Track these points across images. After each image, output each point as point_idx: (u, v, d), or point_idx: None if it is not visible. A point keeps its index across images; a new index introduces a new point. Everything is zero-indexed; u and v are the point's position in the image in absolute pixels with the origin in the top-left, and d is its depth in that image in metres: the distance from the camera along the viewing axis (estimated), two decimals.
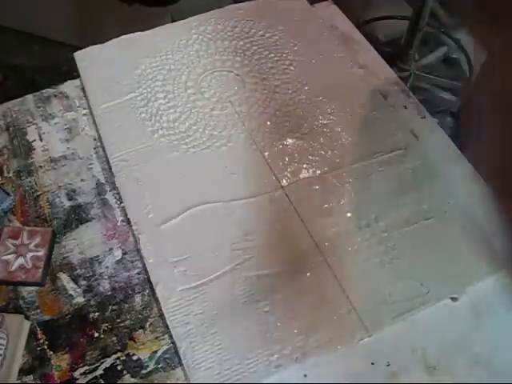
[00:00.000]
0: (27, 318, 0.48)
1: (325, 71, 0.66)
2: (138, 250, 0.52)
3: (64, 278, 0.51)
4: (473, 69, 1.48)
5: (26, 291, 0.50)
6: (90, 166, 0.58)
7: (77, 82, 0.65)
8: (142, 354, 0.47)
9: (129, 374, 0.46)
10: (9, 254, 0.50)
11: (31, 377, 0.46)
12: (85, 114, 0.62)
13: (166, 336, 0.48)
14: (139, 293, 0.50)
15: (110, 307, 0.49)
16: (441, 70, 1.66)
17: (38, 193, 0.56)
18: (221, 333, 0.47)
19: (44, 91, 0.64)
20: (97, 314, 0.49)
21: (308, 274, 0.50)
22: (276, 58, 0.67)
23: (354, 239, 0.52)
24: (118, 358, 0.47)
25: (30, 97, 0.64)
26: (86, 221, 0.54)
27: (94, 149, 0.60)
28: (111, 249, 0.53)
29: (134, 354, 0.47)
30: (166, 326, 0.48)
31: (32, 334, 0.48)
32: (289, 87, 0.64)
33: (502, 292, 0.50)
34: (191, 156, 0.58)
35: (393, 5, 1.76)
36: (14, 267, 0.50)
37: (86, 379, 0.46)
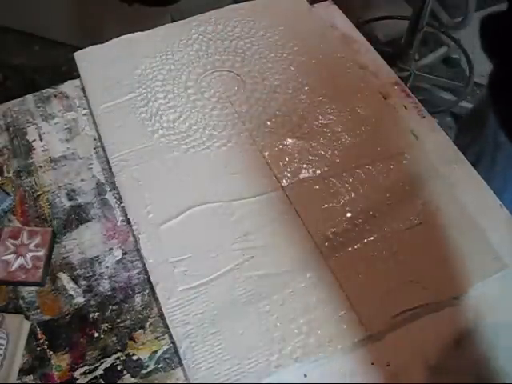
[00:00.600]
0: (27, 318, 0.48)
1: (325, 71, 0.66)
2: (138, 250, 0.52)
3: (64, 278, 0.51)
4: (473, 69, 1.48)
5: (26, 291, 0.50)
6: (90, 166, 0.58)
7: (77, 82, 0.65)
8: (142, 354, 0.47)
9: (129, 374, 0.46)
10: (9, 254, 0.50)
11: (31, 377, 0.46)
12: (85, 114, 0.62)
13: (166, 336, 0.48)
14: (139, 293, 0.50)
15: (110, 307, 0.49)
16: (441, 70, 1.66)
17: (38, 193, 0.56)
18: (221, 333, 0.47)
19: (44, 91, 0.64)
20: (97, 313, 0.49)
21: (308, 274, 0.50)
22: (276, 58, 0.67)
23: (354, 239, 0.52)
24: (118, 357, 0.47)
25: (30, 97, 0.64)
26: (86, 221, 0.54)
27: (94, 149, 0.60)
28: (111, 249, 0.53)
29: (133, 354, 0.47)
30: (166, 326, 0.48)
31: (32, 334, 0.48)
32: (289, 87, 0.64)
33: (502, 292, 0.50)
34: (191, 156, 0.58)
35: (393, 5, 1.76)
36: (13, 267, 0.50)
37: (86, 379, 0.46)
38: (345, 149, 0.59)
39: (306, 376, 0.46)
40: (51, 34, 1.71)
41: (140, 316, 0.49)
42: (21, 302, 0.49)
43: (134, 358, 0.47)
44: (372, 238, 0.52)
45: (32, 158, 0.59)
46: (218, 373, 0.45)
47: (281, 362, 0.46)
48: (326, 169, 0.57)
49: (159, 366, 0.46)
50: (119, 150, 0.58)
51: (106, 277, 0.51)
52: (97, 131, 0.61)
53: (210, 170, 0.57)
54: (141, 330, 0.48)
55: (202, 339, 0.47)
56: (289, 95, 0.63)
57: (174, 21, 0.72)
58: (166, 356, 0.47)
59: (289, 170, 0.57)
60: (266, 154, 0.58)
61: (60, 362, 0.46)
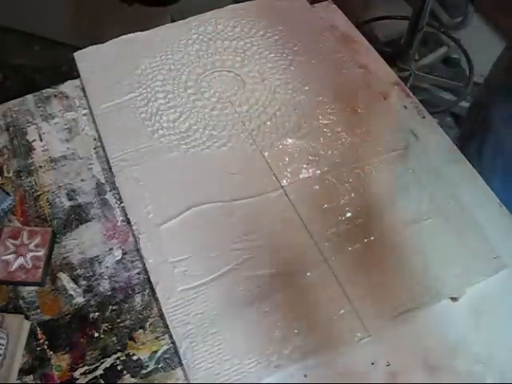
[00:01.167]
0: (27, 318, 0.48)
1: (325, 71, 0.66)
2: (138, 250, 0.52)
3: (64, 278, 0.51)
4: (473, 69, 1.48)
5: (26, 291, 0.50)
6: (90, 166, 0.58)
7: (77, 82, 0.65)
8: (142, 354, 0.47)
9: (129, 374, 0.46)
10: (9, 254, 0.50)
11: (31, 377, 0.46)
12: (85, 114, 0.62)
13: (166, 336, 0.48)
14: (139, 293, 0.50)
15: (110, 307, 0.49)
16: (441, 70, 1.66)
17: (38, 193, 0.56)
18: (221, 333, 0.47)
19: (44, 91, 0.64)
20: (97, 313, 0.49)
21: (308, 274, 0.50)
22: (276, 58, 0.67)
23: (354, 239, 0.52)
24: (118, 357, 0.47)
25: (30, 97, 0.64)
26: (86, 221, 0.54)
27: (94, 149, 0.60)
28: (111, 249, 0.53)
29: (133, 354, 0.47)
30: (166, 326, 0.48)
31: (32, 334, 0.48)
32: (289, 87, 0.64)
33: (502, 292, 0.50)
34: (191, 156, 0.58)
35: (393, 5, 1.76)
36: (14, 267, 0.50)
37: (86, 379, 0.46)
38: (345, 149, 0.59)
39: (305, 376, 0.46)
40: (51, 34, 1.71)
41: (140, 316, 0.49)
42: (21, 301, 0.49)
43: (134, 358, 0.47)
44: (372, 238, 0.52)
45: (32, 158, 0.59)
46: (218, 373, 0.45)
47: (281, 362, 0.46)
48: (326, 169, 0.57)
49: (159, 366, 0.46)
50: (119, 150, 0.58)
51: (105, 277, 0.51)
52: (97, 131, 0.61)
53: (210, 170, 0.57)
54: (141, 330, 0.48)
55: (202, 339, 0.47)
56: (289, 95, 0.63)
57: (173, 21, 0.72)
58: (166, 356, 0.47)
59: (289, 170, 0.57)
60: (266, 154, 0.58)
61: (60, 362, 0.46)
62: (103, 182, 0.57)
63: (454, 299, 0.50)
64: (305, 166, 0.57)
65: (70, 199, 0.56)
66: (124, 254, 0.52)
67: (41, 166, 0.58)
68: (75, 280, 0.51)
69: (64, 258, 0.52)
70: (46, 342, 0.47)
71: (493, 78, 0.78)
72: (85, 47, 0.67)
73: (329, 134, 0.60)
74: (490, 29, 1.55)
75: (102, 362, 0.46)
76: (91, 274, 0.51)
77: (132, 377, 0.46)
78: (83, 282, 0.51)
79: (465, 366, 0.46)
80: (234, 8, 0.72)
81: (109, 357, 0.47)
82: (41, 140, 0.60)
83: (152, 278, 0.50)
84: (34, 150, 0.60)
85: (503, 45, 0.80)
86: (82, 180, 0.57)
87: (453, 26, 1.67)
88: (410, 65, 1.58)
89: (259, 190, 0.55)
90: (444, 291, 0.50)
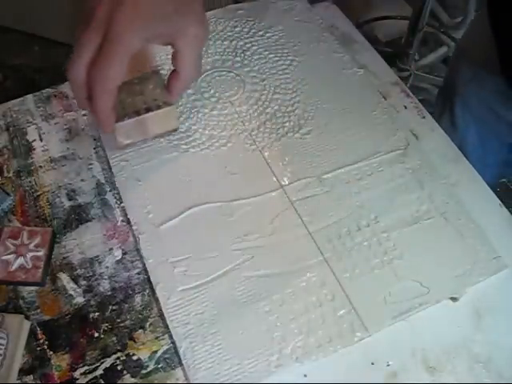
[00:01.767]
0: (27, 318, 0.48)
1: (325, 71, 0.66)
2: (138, 250, 0.52)
3: (64, 278, 0.51)
4: None
5: (26, 291, 0.50)
6: (90, 166, 0.58)
7: None
8: (142, 354, 0.47)
9: (129, 374, 0.46)
10: (9, 254, 0.50)
11: (31, 377, 0.46)
12: (85, 114, 0.62)
13: (166, 336, 0.48)
14: (139, 293, 0.50)
15: (110, 307, 0.49)
16: (441, 70, 1.66)
17: (38, 193, 0.56)
18: (221, 333, 0.47)
19: (44, 91, 0.64)
20: (97, 314, 0.49)
21: (308, 274, 0.50)
22: (276, 58, 0.67)
23: (354, 239, 0.52)
24: (118, 357, 0.47)
25: (30, 97, 0.64)
26: (86, 221, 0.54)
27: (94, 149, 0.60)
28: (111, 249, 0.53)
29: (134, 354, 0.47)
30: (166, 326, 0.48)
31: (32, 334, 0.48)
32: (289, 87, 0.64)
33: (502, 292, 0.50)
34: (191, 156, 0.58)
35: (393, 5, 1.76)
36: (14, 267, 0.50)
37: (86, 379, 0.46)
38: (345, 149, 0.59)
39: (305, 376, 0.46)
40: (51, 34, 1.71)
41: (140, 316, 0.49)
42: (21, 301, 0.49)
43: (134, 357, 0.47)
44: (372, 238, 0.52)
45: (32, 158, 0.59)
46: (218, 373, 0.45)
47: (281, 362, 0.46)
48: (326, 169, 0.57)
49: (159, 366, 0.46)
50: (119, 150, 0.58)
51: (105, 277, 0.51)
52: (97, 131, 0.61)
53: (210, 170, 0.57)
54: (141, 330, 0.48)
55: (202, 339, 0.47)
56: (289, 95, 0.63)
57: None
58: (166, 356, 0.47)
59: (289, 170, 0.57)
60: (266, 154, 0.58)
61: (60, 361, 0.46)
62: (103, 182, 0.57)
63: (454, 299, 0.50)
64: (305, 166, 0.57)
65: (70, 199, 0.56)
66: (124, 254, 0.52)
67: (41, 166, 0.58)
68: (75, 280, 0.51)
69: (64, 258, 0.52)
70: (46, 342, 0.47)
71: (459, 46, 0.87)
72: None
73: (328, 133, 0.60)
74: None
75: (102, 362, 0.46)
76: (91, 273, 0.51)
77: (132, 377, 0.46)
78: (83, 282, 0.51)
79: (465, 365, 0.46)
80: (233, 8, 0.72)
81: (109, 357, 0.47)
82: (41, 140, 0.60)
83: (152, 278, 0.50)
84: (34, 149, 0.60)
85: None
86: (82, 180, 0.57)
87: (453, 26, 1.67)
88: (409, 65, 1.58)
89: (259, 190, 0.55)
90: (444, 291, 0.50)
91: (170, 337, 0.47)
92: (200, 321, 0.48)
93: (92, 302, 0.49)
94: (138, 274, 0.51)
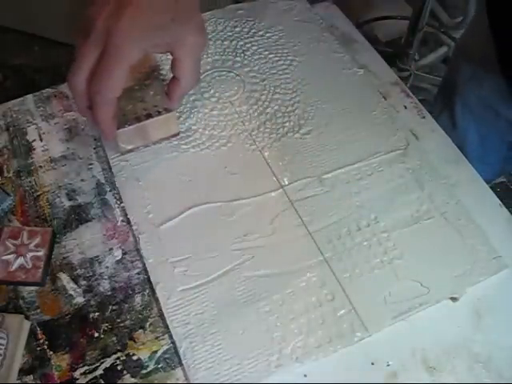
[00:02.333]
0: (27, 318, 0.48)
1: (325, 71, 0.66)
2: (138, 250, 0.52)
3: (64, 278, 0.51)
4: None
5: (26, 291, 0.50)
6: (90, 166, 0.58)
7: None
8: (142, 354, 0.47)
9: (129, 374, 0.46)
10: (9, 253, 0.50)
11: (31, 377, 0.46)
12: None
13: (166, 336, 0.48)
14: (139, 293, 0.50)
15: (110, 307, 0.49)
16: (441, 70, 1.66)
17: (38, 193, 0.56)
18: (221, 333, 0.47)
19: (44, 91, 0.64)
20: (97, 313, 0.49)
21: (308, 274, 0.50)
22: (276, 58, 0.67)
23: (354, 239, 0.52)
24: (118, 357, 0.47)
25: (30, 97, 0.64)
26: (85, 221, 0.54)
27: (94, 149, 0.60)
28: (111, 249, 0.53)
29: (134, 354, 0.47)
30: (166, 326, 0.48)
31: (32, 334, 0.48)
32: (289, 87, 0.64)
33: (502, 292, 0.50)
34: (191, 156, 0.58)
35: (393, 5, 1.76)
36: (14, 267, 0.50)
37: (86, 379, 0.46)
38: (345, 149, 0.59)
39: (305, 376, 0.46)
40: (51, 34, 1.71)
41: (140, 316, 0.49)
42: (21, 301, 0.49)
43: (134, 358, 0.47)
44: (372, 238, 0.52)
45: (32, 158, 0.59)
46: (218, 373, 0.45)
47: (281, 362, 0.46)
48: (326, 169, 0.57)
49: (159, 366, 0.46)
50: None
51: (105, 277, 0.51)
52: (97, 131, 0.61)
53: (209, 170, 0.57)
54: (141, 330, 0.48)
55: (202, 339, 0.47)
56: (289, 95, 0.63)
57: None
58: (166, 356, 0.47)
59: (289, 170, 0.57)
60: (266, 154, 0.58)
61: (60, 361, 0.46)
62: (103, 182, 0.57)
63: (454, 299, 0.50)
64: (305, 166, 0.57)
65: (70, 199, 0.56)
66: (124, 253, 0.52)
67: (41, 166, 0.58)
68: (75, 280, 0.51)
69: (64, 258, 0.52)
70: (46, 342, 0.47)
71: (458, 45, 0.87)
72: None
73: (328, 133, 0.60)
74: None
75: (102, 362, 0.46)
76: (91, 273, 0.51)
77: (132, 377, 0.46)
78: (83, 282, 0.51)
79: (465, 365, 0.46)
80: (234, 8, 0.72)
81: (109, 357, 0.47)
82: (41, 140, 0.60)
83: (152, 278, 0.50)
84: (34, 149, 0.60)
85: None
86: (82, 180, 0.57)
87: (453, 26, 1.67)
88: (410, 65, 1.58)
89: (259, 190, 0.55)
90: (444, 291, 0.50)
91: (170, 337, 0.47)
92: (200, 321, 0.48)
93: (92, 302, 0.49)
94: (138, 274, 0.51)
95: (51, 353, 0.47)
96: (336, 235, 0.53)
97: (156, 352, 0.47)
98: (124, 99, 0.52)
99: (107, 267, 0.52)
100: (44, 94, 0.64)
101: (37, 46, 1.74)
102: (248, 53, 0.67)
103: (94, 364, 0.46)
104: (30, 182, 0.57)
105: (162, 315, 0.48)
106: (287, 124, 0.61)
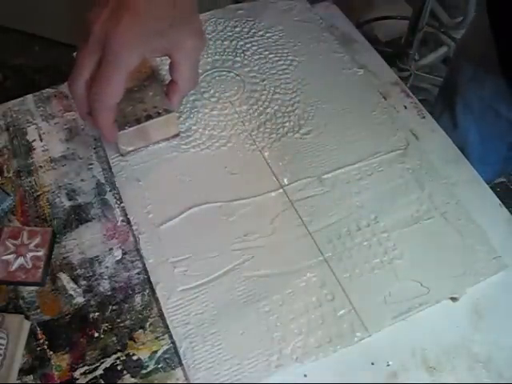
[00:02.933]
0: (27, 317, 0.48)
1: (325, 71, 0.66)
2: (138, 250, 0.52)
3: (64, 278, 0.51)
4: None
5: (26, 291, 0.50)
6: (90, 166, 0.58)
7: None
8: (142, 354, 0.47)
9: (129, 374, 0.46)
10: (9, 253, 0.50)
11: (31, 377, 0.46)
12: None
13: (166, 336, 0.48)
14: (139, 293, 0.50)
15: (110, 307, 0.49)
16: (441, 70, 1.66)
17: (38, 193, 0.56)
18: (221, 333, 0.47)
19: (44, 91, 0.64)
20: (97, 314, 0.49)
21: (308, 274, 0.50)
22: (276, 58, 0.67)
23: (353, 239, 0.52)
24: (118, 357, 0.47)
25: (30, 97, 0.64)
26: (85, 221, 0.54)
27: (94, 149, 0.60)
28: (111, 249, 0.53)
29: (134, 354, 0.47)
30: (166, 326, 0.48)
31: (32, 334, 0.48)
32: (289, 87, 0.64)
33: (502, 292, 0.50)
34: (191, 156, 0.58)
35: (393, 5, 1.76)
36: (14, 267, 0.50)
37: (86, 379, 0.46)
38: (345, 149, 0.59)
39: (305, 376, 0.46)
40: (51, 34, 1.71)
41: (140, 316, 0.49)
42: (21, 301, 0.49)
43: (134, 358, 0.47)
44: (372, 238, 0.52)
45: (32, 158, 0.59)
46: (218, 373, 0.45)
47: (281, 362, 0.46)
48: (326, 169, 0.57)
49: (159, 366, 0.46)
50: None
51: (105, 277, 0.51)
52: (97, 131, 0.61)
53: (210, 169, 0.57)
54: (141, 330, 0.48)
55: (202, 339, 0.47)
56: (289, 95, 0.63)
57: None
58: (166, 356, 0.47)
59: (289, 170, 0.57)
60: (266, 154, 0.58)
61: (60, 361, 0.46)
62: (103, 182, 0.57)
63: (454, 299, 0.50)
64: (305, 166, 0.57)
65: (70, 199, 0.56)
66: (124, 254, 0.52)
67: (41, 166, 0.58)
68: (75, 280, 0.51)
69: (64, 258, 0.52)
70: (46, 342, 0.47)
71: (459, 45, 0.87)
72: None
73: (328, 133, 0.60)
74: None
75: (102, 362, 0.46)
76: (91, 273, 0.51)
77: (132, 377, 0.46)
78: (83, 282, 0.51)
79: (465, 365, 0.46)
80: (234, 8, 0.72)
81: (109, 357, 0.47)
82: (41, 140, 0.60)
83: (152, 278, 0.50)
84: (34, 149, 0.60)
85: None
86: (82, 180, 0.57)
87: (453, 26, 1.67)
88: (410, 65, 1.58)
89: (259, 190, 0.55)
90: (444, 291, 0.50)
91: (170, 337, 0.47)
92: (200, 321, 0.48)
93: (92, 302, 0.49)
94: (138, 274, 0.51)
95: (51, 353, 0.47)
96: (336, 235, 0.53)
97: (156, 352, 0.47)
98: (124, 101, 0.52)
99: (107, 267, 0.52)
100: (44, 94, 0.64)
101: (37, 45, 1.74)
102: (248, 53, 0.67)
103: (93, 364, 0.46)
104: (29, 182, 0.57)
105: (162, 315, 0.48)
106: (287, 124, 0.61)
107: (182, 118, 0.61)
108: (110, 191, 0.56)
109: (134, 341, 0.48)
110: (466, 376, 0.46)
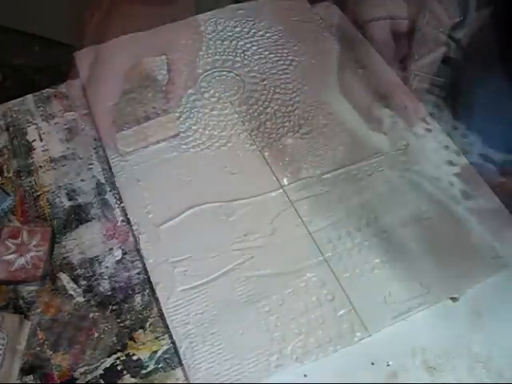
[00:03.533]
0: (27, 318, 0.48)
1: (325, 71, 0.66)
2: (138, 250, 0.52)
3: (64, 278, 0.51)
4: None
5: (26, 291, 0.50)
6: (90, 166, 0.58)
7: (77, 82, 0.65)
8: (142, 354, 0.47)
9: (129, 374, 0.46)
10: (10, 253, 0.50)
11: (31, 377, 0.46)
12: (85, 114, 0.62)
13: (166, 336, 0.48)
14: (139, 293, 0.50)
15: (110, 307, 0.49)
16: (441, 70, 1.66)
17: (38, 193, 0.56)
18: (221, 333, 0.47)
19: (44, 91, 0.64)
20: (97, 314, 0.49)
21: (308, 274, 0.50)
22: (276, 58, 0.67)
23: (354, 239, 0.52)
24: (118, 357, 0.47)
25: (30, 97, 0.64)
26: (85, 221, 0.54)
27: (94, 149, 0.60)
28: (111, 249, 0.53)
29: (134, 354, 0.47)
30: (166, 326, 0.48)
31: (32, 334, 0.48)
32: (289, 87, 0.64)
33: (501, 292, 0.50)
34: (191, 156, 0.58)
35: (393, 5, 1.75)
36: (14, 267, 0.50)
37: (86, 379, 0.46)
38: (345, 149, 0.59)
39: (305, 376, 0.46)
40: (51, 34, 1.71)
41: (140, 316, 0.49)
42: (21, 301, 0.49)
43: (134, 358, 0.47)
44: (372, 238, 0.52)
45: (32, 158, 0.59)
46: (218, 373, 0.45)
47: (281, 362, 0.46)
48: (326, 169, 0.57)
49: (159, 366, 0.46)
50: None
51: (105, 277, 0.51)
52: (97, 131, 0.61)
53: (210, 170, 0.57)
54: (141, 330, 0.48)
55: (202, 339, 0.47)
56: (289, 95, 0.63)
57: (174, 21, 0.72)
58: (166, 356, 0.47)
59: (289, 169, 0.57)
60: (266, 154, 0.58)
61: (60, 361, 0.46)
62: (103, 182, 0.57)
63: (454, 299, 0.50)
64: (305, 165, 0.57)
65: (70, 199, 0.56)
66: (124, 253, 0.52)
67: (41, 166, 0.58)
68: (75, 280, 0.51)
69: (64, 258, 0.52)
70: (46, 342, 0.47)
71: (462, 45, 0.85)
72: (85, 47, 0.67)
73: (329, 133, 0.60)
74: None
75: (102, 362, 0.46)
76: (91, 274, 0.51)
77: (132, 377, 0.46)
78: (83, 282, 0.51)
79: (465, 365, 0.46)
80: (234, 8, 0.72)
81: (109, 357, 0.47)
82: (41, 140, 0.60)
83: (152, 278, 0.50)
84: (34, 149, 0.60)
85: None
86: (82, 180, 0.57)
87: (453, 25, 1.67)
88: (410, 65, 1.58)
89: (259, 190, 0.55)
90: (444, 291, 0.50)
91: (170, 337, 0.47)
92: (200, 321, 0.48)
93: (92, 302, 0.50)
94: (138, 273, 0.51)
95: (51, 353, 0.47)
96: (336, 235, 0.53)
97: (156, 352, 0.47)
98: (122, 102, 0.52)
99: (107, 267, 0.52)
100: (44, 93, 0.64)
101: (37, 45, 1.74)
102: (248, 53, 0.67)
103: (93, 364, 0.46)
104: (29, 182, 0.57)
105: (162, 315, 0.48)
106: (287, 124, 0.61)
107: (182, 118, 0.61)
108: (110, 191, 0.56)
109: (134, 341, 0.48)
110: (466, 376, 0.46)
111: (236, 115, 0.61)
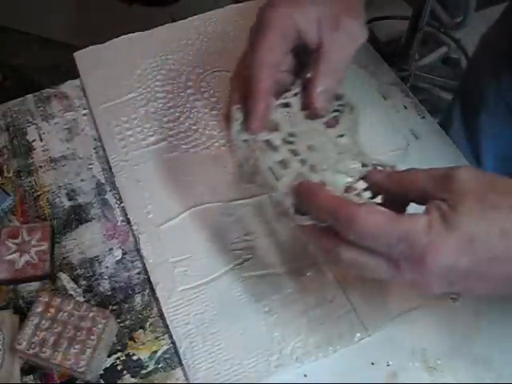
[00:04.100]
0: (27, 318, 0.48)
1: None
2: (138, 250, 0.52)
3: (64, 278, 0.51)
4: None
5: (26, 291, 0.50)
6: (90, 166, 0.58)
7: (77, 81, 0.65)
8: (142, 354, 0.47)
9: (129, 374, 0.46)
10: (11, 253, 0.50)
11: (31, 377, 0.46)
12: (85, 114, 0.62)
13: (166, 336, 0.48)
14: (139, 293, 0.50)
15: (110, 307, 0.49)
16: (441, 70, 1.66)
17: (38, 193, 0.56)
18: (221, 333, 0.47)
19: (44, 91, 0.64)
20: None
21: (308, 274, 0.50)
22: None
23: None
24: (118, 357, 0.47)
25: (30, 97, 0.64)
26: (85, 221, 0.54)
27: (94, 149, 0.60)
28: (111, 249, 0.53)
29: (134, 354, 0.47)
30: (166, 326, 0.48)
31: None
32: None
33: None
34: (191, 156, 0.58)
35: (393, 5, 1.76)
36: (20, 265, 0.50)
37: (86, 379, 0.46)
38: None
39: (306, 376, 0.46)
40: (51, 34, 1.71)
41: (140, 316, 0.49)
42: (21, 301, 0.49)
43: (134, 358, 0.47)
44: None
45: (32, 158, 0.59)
46: (218, 373, 0.45)
47: (281, 362, 0.46)
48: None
49: (159, 366, 0.46)
50: (119, 150, 0.58)
51: (105, 277, 0.51)
52: (97, 131, 0.61)
53: (209, 170, 0.57)
54: (141, 330, 0.48)
55: (202, 339, 0.47)
56: None
57: (174, 21, 0.72)
58: (166, 356, 0.47)
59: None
60: None
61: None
62: (103, 182, 0.57)
63: (454, 299, 0.50)
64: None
65: (70, 199, 0.56)
66: (124, 253, 0.52)
67: (41, 166, 0.58)
68: (75, 280, 0.51)
69: (64, 258, 0.52)
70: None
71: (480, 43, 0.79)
72: (85, 47, 0.67)
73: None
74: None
75: (102, 362, 0.46)
76: (91, 274, 0.51)
77: (132, 377, 0.46)
78: (83, 282, 0.51)
79: (465, 365, 0.46)
80: (234, 8, 0.72)
81: (109, 357, 0.47)
82: (41, 140, 0.60)
83: (152, 278, 0.50)
84: (34, 149, 0.60)
85: None
86: (82, 180, 0.57)
87: (453, 26, 1.67)
88: (410, 65, 1.58)
89: (259, 190, 0.55)
90: None
91: (170, 337, 0.47)
92: (200, 321, 0.48)
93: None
94: (138, 273, 0.51)
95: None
96: None
97: (156, 352, 0.47)
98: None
99: (107, 267, 0.52)
100: (44, 94, 0.64)
101: (37, 46, 1.74)
102: None
103: (93, 364, 0.46)
104: (29, 182, 0.57)
105: (162, 315, 0.48)
106: None
107: (182, 118, 0.61)
108: (110, 191, 0.56)
109: (134, 341, 0.48)
110: (466, 376, 0.46)
111: None
